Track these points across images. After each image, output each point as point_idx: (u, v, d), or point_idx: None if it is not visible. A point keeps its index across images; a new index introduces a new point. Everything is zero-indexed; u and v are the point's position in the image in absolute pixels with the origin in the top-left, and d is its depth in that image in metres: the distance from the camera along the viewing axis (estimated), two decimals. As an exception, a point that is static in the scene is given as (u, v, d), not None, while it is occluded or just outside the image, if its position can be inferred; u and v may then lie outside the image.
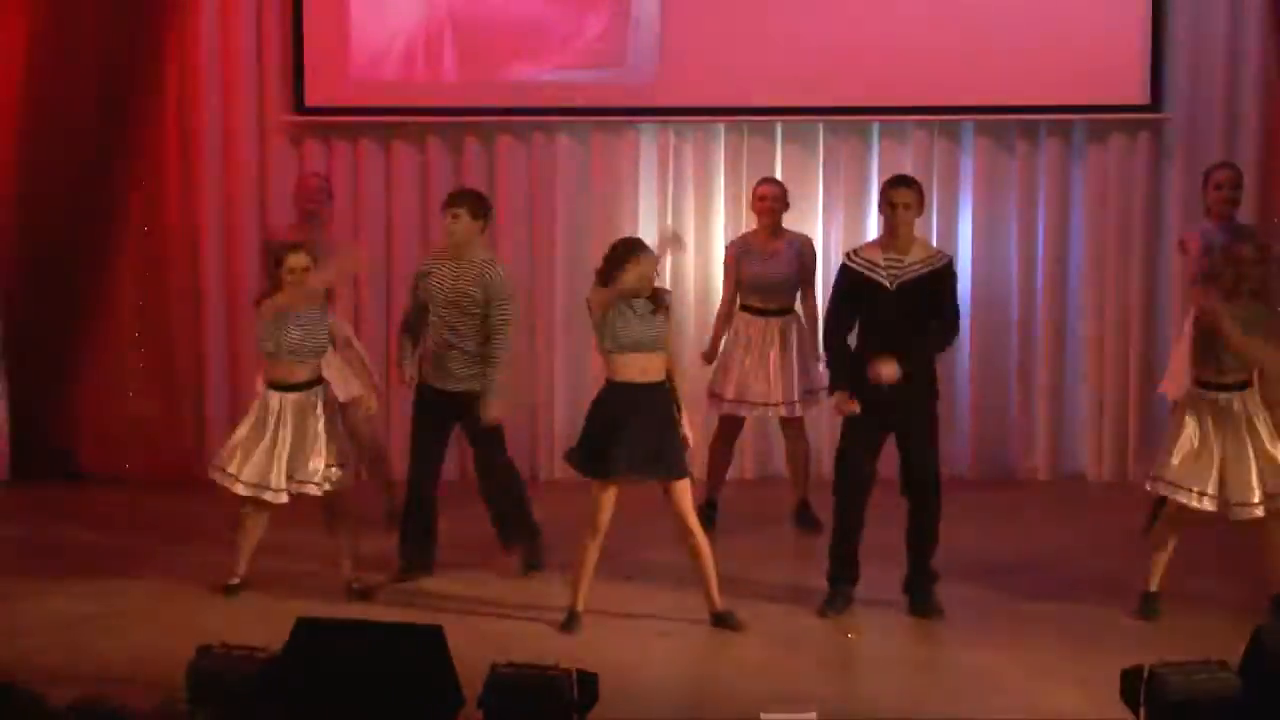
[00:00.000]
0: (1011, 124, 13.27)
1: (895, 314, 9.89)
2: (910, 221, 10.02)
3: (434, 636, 8.25)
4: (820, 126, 13.33)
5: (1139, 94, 13.14)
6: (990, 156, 13.30)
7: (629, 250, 9.80)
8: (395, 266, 13.15)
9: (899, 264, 9.92)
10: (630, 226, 13.15)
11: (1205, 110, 13.21)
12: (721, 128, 13.33)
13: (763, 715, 8.49)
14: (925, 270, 9.97)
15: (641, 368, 9.74)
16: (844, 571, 10.15)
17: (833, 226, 13.27)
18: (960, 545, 11.27)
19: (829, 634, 9.86)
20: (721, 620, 9.86)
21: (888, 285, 9.89)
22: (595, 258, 12.97)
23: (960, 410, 13.36)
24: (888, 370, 9.76)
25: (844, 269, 10.12)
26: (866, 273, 9.94)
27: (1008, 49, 13.04)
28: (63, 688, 8.22)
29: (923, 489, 10.06)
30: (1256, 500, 9.83)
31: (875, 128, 13.34)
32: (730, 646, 9.71)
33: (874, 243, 10.24)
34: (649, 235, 12.67)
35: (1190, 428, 9.93)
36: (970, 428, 13.36)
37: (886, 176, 13.00)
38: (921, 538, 10.11)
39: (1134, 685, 8.27)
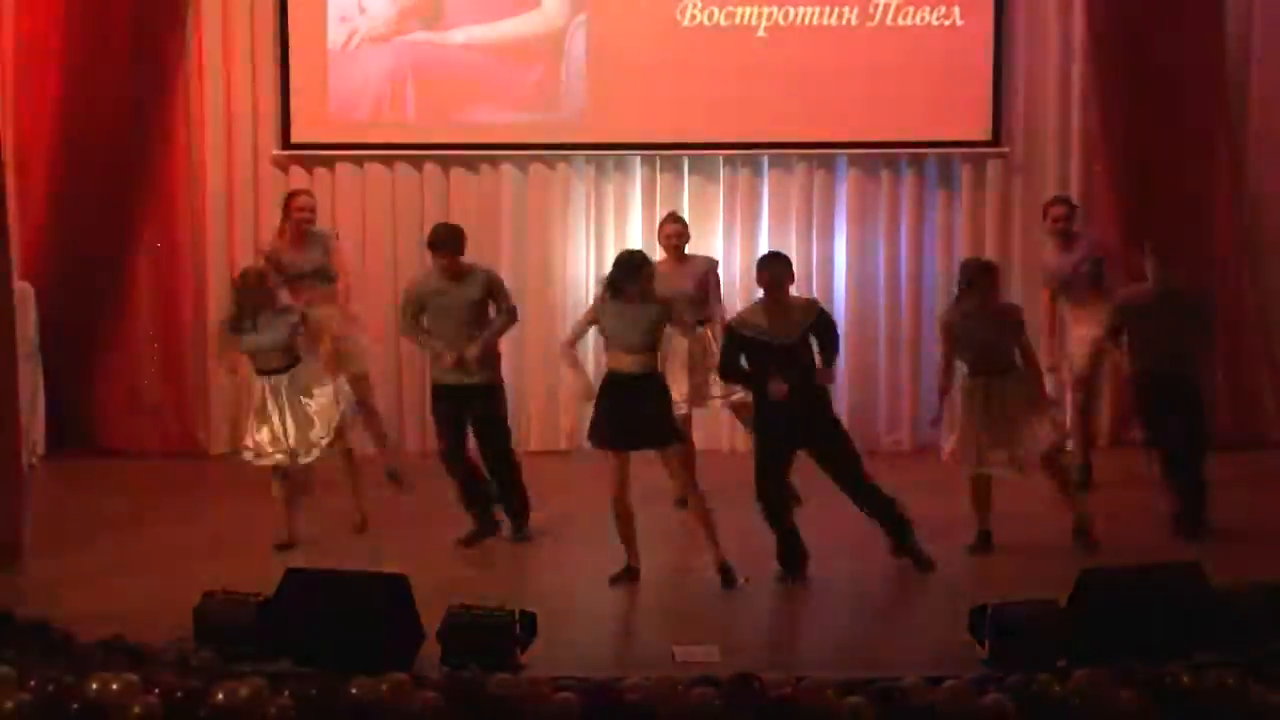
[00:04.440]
0: (878, 158, 13.31)
1: (783, 363, 9.70)
2: (789, 292, 9.89)
3: (400, 584, 8.24)
4: (720, 159, 13.33)
5: (983, 131, 13.21)
6: (860, 186, 13.32)
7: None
8: (366, 276, 13.09)
9: (781, 322, 9.76)
10: (562, 244, 13.19)
11: (1039, 144, 13.30)
12: (638, 160, 13.33)
13: (674, 648, 8.51)
14: (804, 326, 9.82)
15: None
16: (793, 559, 9.89)
17: (731, 244, 13.26)
18: (837, 508, 11.32)
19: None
20: (725, 572, 9.66)
21: (773, 344, 9.72)
22: (534, 270, 13.08)
23: (836, 393, 13.37)
24: (779, 388, 9.62)
25: (734, 336, 9.89)
26: (755, 336, 9.75)
27: (875, 93, 13.09)
28: (89, 627, 8.20)
29: (855, 493, 9.95)
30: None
31: (765, 160, 13.35)
32: (647, 597, 9.71)
33: (758, 308, 9.93)
34: (578, 251, 12.68)
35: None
36: (844, 411, 13.37)
37: (775, 202, 13.19)
38: (881, 519, 9.99)
39: (979, 620, 8.32)
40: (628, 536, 9.75)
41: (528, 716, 6.62)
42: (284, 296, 10.93)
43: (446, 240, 10.60)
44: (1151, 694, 6.72)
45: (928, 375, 13.11)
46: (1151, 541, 10.33)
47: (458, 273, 10.55)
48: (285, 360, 10.43)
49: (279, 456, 10.40)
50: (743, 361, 9.86)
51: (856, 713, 6.57)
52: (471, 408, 10.63)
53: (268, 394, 10.43)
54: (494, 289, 10.63)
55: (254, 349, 10.41)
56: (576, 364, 10.30)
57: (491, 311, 10.61)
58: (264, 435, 10.42)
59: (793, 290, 10.05)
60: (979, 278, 10.25)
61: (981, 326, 10.19)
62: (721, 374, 10.32)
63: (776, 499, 9.88)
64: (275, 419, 10.40)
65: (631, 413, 9.62)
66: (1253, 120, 13.32)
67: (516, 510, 10.73)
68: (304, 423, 10.39)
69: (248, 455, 10.53)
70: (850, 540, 10.56)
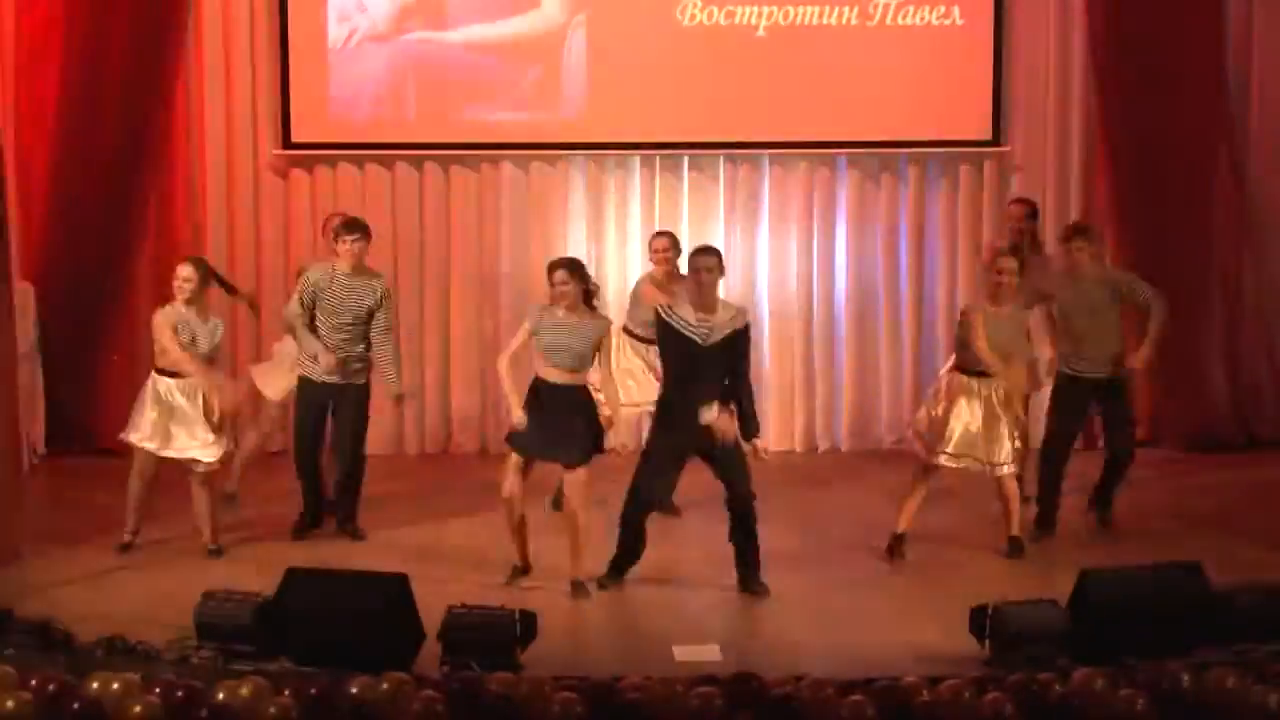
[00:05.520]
0: (878, 157, 13.30)
1: (704, 365, 9.55)
2: (714, 284, 9.63)
3: (401, 583, 8.26)
4: (720, 158, 13.33)
5: (982, 131, 13.22)
6: (860, 184, 13.32)
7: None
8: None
9: (708, 323, 9.54)
10: (562, 243, 13.18)
11: (1039, 144, 13.30)
12: (638, 160, 13.32)
13: (675, 648, 8.51)
14: (730, 330, 9.58)
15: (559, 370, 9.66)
16: (622, 565, 9.84)
17: (732, 243, 13.24)
18: (837, 508, 11.33)
19: (726, 580, 9.87)
20: (577, 587, 9.59)
21: (700, 342, 9.53)
22: (534, 269, 13.04)
23: (837, 392, 13.41)
24: (715, 419, 9.47)
25: (661, 322, 9.70)
26: (681, 330, 9.55)
27: (876, 92, 13.08)
28: (90, 626, 8.21)
29: (744, 506, 9.70)
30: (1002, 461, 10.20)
31: (765, 160, 13.35)
32: (647, 597, 9.70)
33: (685, 301, 9.72)
34: (578, 250, 12.64)
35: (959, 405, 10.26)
36: (846, 407, 13.40)
37: (776, 201, 13.20)
38: (747, 541, 9.73)
39: (980, 620, 8.33)
40: (519, 543, 9.76)
41: (528, 716, 6.62)
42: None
43: (359, 229, 10.71)
44: (1151, 694, 6.73)
45: (928, 374, 13.13)
46: (1151, 542, 10.35)
47: (360, 270, 10.65)
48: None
49: (149, 444, 10.33)
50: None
51: (857, 712, 6.58)
52: (340, 405, 10.77)
53: (159, 393, 10.34)
54: (384, 302, 10.69)
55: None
56: (515, 389, 9.85)
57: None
58: (145, 427, 10.36)
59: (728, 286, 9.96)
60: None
61: (1005, 327, 10.27)
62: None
63: (647, 503, 9.78)
64: (157, 417, 10.33)
65: (554, 423, 9.58)
66: (1253, 120, 13.33)
67: (350, 508, 10.85)
68: (185, 425, 10.34)
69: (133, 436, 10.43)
70: (850, 539, 10.59)
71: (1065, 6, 13.22)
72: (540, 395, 9.67)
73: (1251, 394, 13.43)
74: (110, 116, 12.84)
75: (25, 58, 12.81)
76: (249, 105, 13.16)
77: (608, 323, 9.90)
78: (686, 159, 13.34)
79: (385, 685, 6.82)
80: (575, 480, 9.60)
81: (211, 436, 10.29)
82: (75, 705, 6.61)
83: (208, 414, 10.28)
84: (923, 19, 13.10)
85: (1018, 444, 10.28)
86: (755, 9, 13.05)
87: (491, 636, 8.06)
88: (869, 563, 10.23)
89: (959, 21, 13.11)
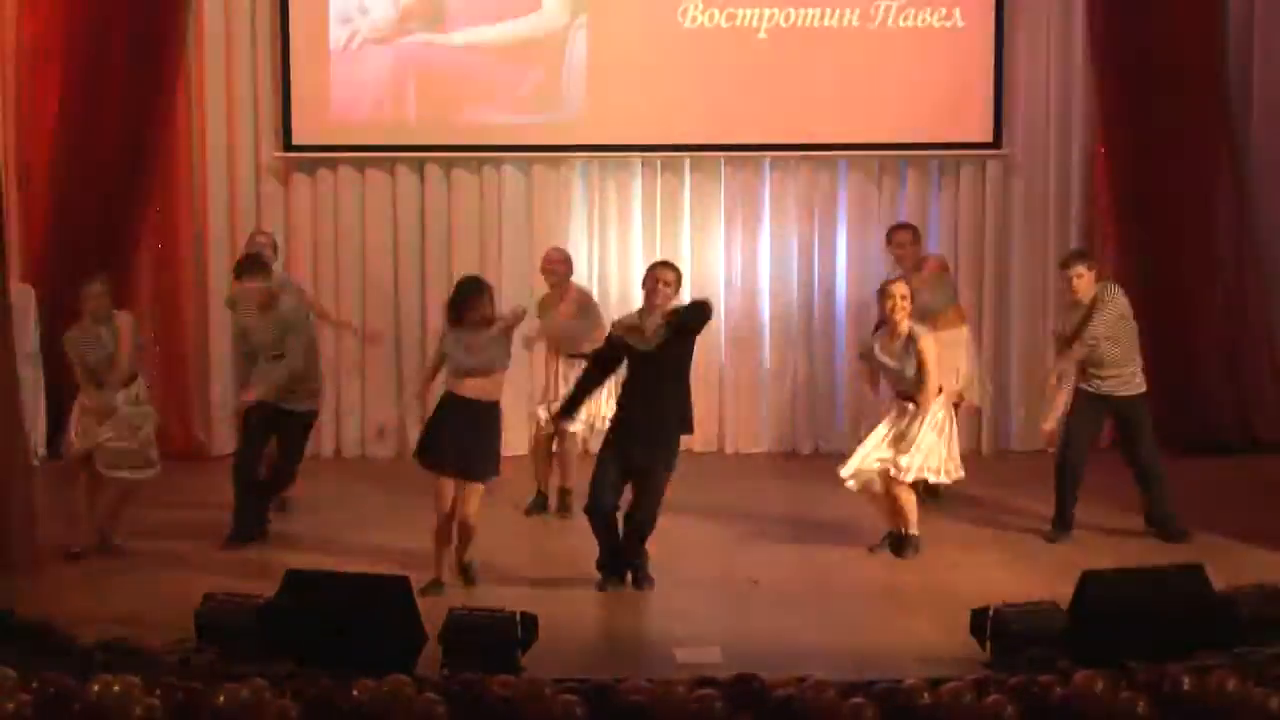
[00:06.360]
0: (879, 159, 13.29)
1: (646, 367, 9.75)
2: (670, 297, 9.79)
3: (401, 585, 8.25)
4: (721, 160, 13.32)
5: (983, 133, 13.20)
6: (861, 187, 13.33)
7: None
8: (368, 278, 13.21)
9: (651, 329, 9.71)
10: (563, 245, 13.14)
11: (1039, 146, 13.28)
12: (639, 161, 13.32)
13: (676, 650, 8.50)
14: (666, 330, 9.71)
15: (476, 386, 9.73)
16: (614, 566, 9.88)
17: (732, 245, 13.28)
18: (838, 508, 11.29)
19: (727, 582, 9.87)
20: (433, 586, 9.59)
21: (639, 348, 9.74)
22: (535, 272, 13.03)
23: (838, 394, 13.39)
24: None
25: (611, 337, 9.98)
26: (626, 338, 9.78)
27: (876, 95, 13.10)
28: (90, 628, 8.21)
29: (641, 525, 9.80)
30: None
31: (766, 162, 13.34)
32: (648, 599, 9.70)
33: (636, 313, 9.92)
34: (578, 250, 12.64)
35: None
36: (846, 409, 13.37)
37: (776, 203, 13.18)
38: (632, 551, 9.84)
39: (981, 621, 8.33)
40: (439, 556, 9.76)
41: (529, 718, 6.61)
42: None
43: (246, 269, 10.80)
44: (1152, 696, 6.71)
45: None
46: (1151, 543, 10.35)
47: (267, 301, 10.76)
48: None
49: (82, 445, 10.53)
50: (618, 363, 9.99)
51: (858, 713, 6.56)
52: (284, 431, 10.92)
53: (86, 402, 10.58)
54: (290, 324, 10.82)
55: (83, 362, 10.58)
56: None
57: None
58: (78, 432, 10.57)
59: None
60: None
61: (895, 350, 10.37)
62: (591, 362, 10.30)
63: (604, 515, 9.81)
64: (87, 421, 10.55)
65: (461, 437, 9.66)
66: (1253, 120, 13.31)
67: (284, 498, 11.22)
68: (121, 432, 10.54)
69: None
70: (852, 541, 10.58)
71: (1065, 8, 13.22)
72: (448, 408, 9.79)
73: (1252, 394, 13.40)
74: (111, 118, 12.88)
75: (27, 59, 12.85)
76: (250, 107, 13.20)
77: (505, 335, 9.85)
78: (688, 161, 13.34)
79: (386, 687, 6.81)
80: (473, 492, 9.70)
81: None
82: (76, 708, 6.59)
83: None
84: (924, 21, 13.09)
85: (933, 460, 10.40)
86: (756, 11, 13.06)
87: (492, 639, 8.05)
88: (869, 564, 10.23)
89: (960, 24, 13.10)
